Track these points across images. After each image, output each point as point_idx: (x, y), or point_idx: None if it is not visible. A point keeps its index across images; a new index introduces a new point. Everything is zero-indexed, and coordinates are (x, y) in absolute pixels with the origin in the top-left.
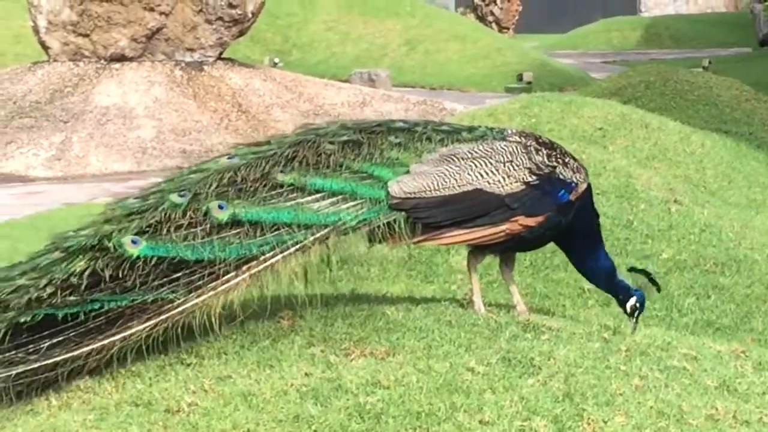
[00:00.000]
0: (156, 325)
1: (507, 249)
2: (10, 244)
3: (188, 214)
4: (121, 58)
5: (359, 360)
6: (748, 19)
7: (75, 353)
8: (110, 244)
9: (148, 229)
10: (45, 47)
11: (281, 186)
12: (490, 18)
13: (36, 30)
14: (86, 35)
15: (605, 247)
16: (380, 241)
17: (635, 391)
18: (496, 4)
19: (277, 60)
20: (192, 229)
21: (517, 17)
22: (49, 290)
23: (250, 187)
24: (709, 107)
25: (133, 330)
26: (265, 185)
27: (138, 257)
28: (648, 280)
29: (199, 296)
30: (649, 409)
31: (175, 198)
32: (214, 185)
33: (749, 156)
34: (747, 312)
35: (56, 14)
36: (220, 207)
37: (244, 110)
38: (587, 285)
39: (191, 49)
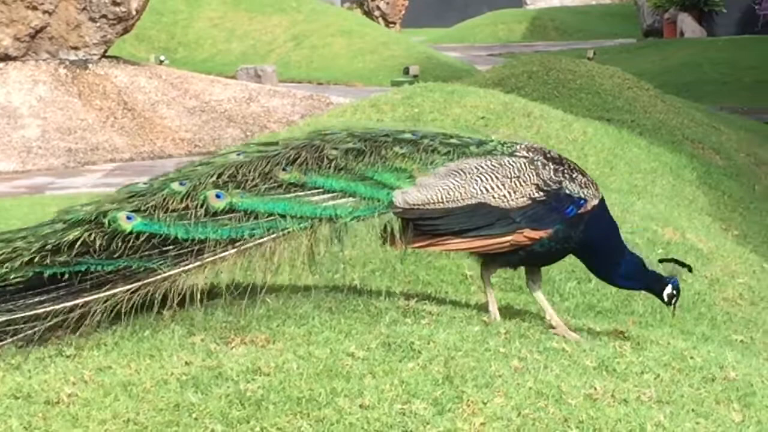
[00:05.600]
0: (140, 288)
1: (521, 262)
2: None
3: (186, 201)
4: (5, 58)
5: (239, 348)
6: (633, 10)
7: (58, 307)
8: (105, 220)
9: (145, 209)
10: None
11: (282, 182)
12: (377, 13)
13: None
14: None
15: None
16: (384, 242)
17: (514, 373)
18: None
19: (163, 58)
20: (188, 211)
21: (403, 12)
22: (40, 253)
23: (251, 183)
24: (591, 96)
25: (116, 290)
26: (265, 181)
27: (131, 232)
28: (678, 265)
29: (185, 267)
30: (528, 389)
31: (175, 186)
32: (214, 178)
33: (631, 143)
34: (627, 295)
35: None
36: (218, 196)
37: (129, 108)
38: (469, 271)
39: (75, 48)
